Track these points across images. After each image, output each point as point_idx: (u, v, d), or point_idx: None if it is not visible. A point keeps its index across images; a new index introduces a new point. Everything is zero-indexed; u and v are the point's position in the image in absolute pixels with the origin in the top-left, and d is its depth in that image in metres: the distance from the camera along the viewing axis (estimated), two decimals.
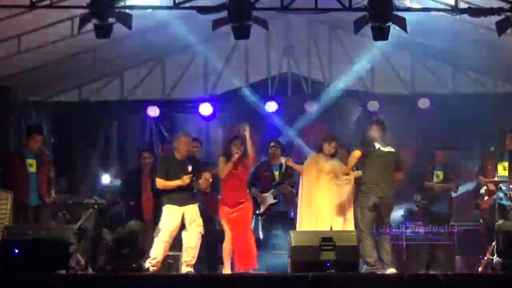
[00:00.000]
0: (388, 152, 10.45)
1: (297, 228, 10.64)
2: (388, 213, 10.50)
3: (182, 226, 10.37)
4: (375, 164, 10.35)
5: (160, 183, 10.39)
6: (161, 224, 10.33)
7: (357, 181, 10.74)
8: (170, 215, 10.33)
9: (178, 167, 10.40)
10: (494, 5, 9.94)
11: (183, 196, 10.35)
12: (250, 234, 10.72)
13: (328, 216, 10.50)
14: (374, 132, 10.53)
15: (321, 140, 10.83)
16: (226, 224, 10.62)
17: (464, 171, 12.62)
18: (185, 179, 10.25)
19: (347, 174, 10.61)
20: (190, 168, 10.38)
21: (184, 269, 10.24)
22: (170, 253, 10.53)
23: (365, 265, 10.19)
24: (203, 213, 10.70)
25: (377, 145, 10.44)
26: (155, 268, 10.17)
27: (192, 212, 10.37)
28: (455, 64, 13.64)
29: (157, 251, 10.20)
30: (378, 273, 9.90)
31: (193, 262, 10.29)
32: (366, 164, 10.40)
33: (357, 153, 10.39)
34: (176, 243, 10.49)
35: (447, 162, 12.22)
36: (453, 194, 12.30)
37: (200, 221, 10.39)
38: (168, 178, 10.35)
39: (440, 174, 12.04)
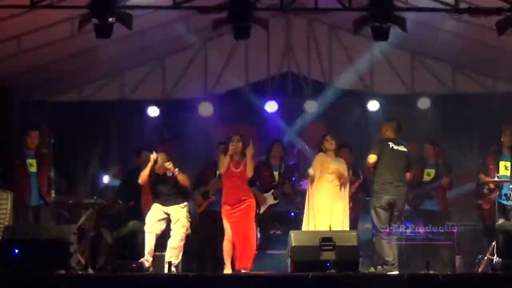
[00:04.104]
0: (401, 151, 10.50)
1: (303, 228, 10.63)
2: (401, 212, 10.56)
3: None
4: (389, 163, 10.37)
5: (139, 177, 10.79)
6: (146, 218, 10.60)
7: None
8: (153, 211, 10.63)
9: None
10: (494, 5, 9.95)
11: (165, 196, 10.65)
12: (253, 232, 10.71)
13: (328, 216, 10.49)
14: (389, 130, 10.56)
15: (321, 141, 10.81)
16: (227, 223, 10.63)
17: (464, 171, 12.60)
18: (152, 157, 10.60)
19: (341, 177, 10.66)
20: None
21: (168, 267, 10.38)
22: None
23: (381, 266, 10.17)
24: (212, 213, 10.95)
25: (391, 144, 10.47)
26: (149, 261, 10.34)
27: (176, 212, 10.60)
28: (455, 64, 13.65)
29: (147, 243, 10.42)
30: (395, 272, 9.89)
31: (176, 261, 10.46)
32: (380, 163, 10.40)
33: (372, 158, 10.42)
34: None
35: (438, 157, 11.96)
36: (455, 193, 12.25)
37: (184, 221, 10.61)
38: (152, 178, 10.73)
39: (431, 172, 11.92)
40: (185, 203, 10.78)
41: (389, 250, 10.17)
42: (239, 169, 10.70)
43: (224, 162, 10.68)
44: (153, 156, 10.58)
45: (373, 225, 10.42)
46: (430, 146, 11.95)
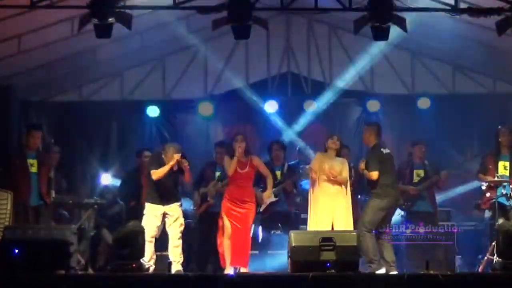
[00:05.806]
0: (390, 153, 10.49)
1: (307, 228, 10.62)
2: (393, 214, 10.59)
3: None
4: (388, 167, 10.35)
5: (155, 173, 10.45)
6: (143, 223, 10.37)
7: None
8: (151, 216, 10.46)
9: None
10: (494, 5, 9.96)
11: (166, 194, 10.49)
12: (248, 235, 10.70)
13: (329, 215, 10.47)
14: (373, 135, 10.50)
15: (327, 139, 10.77)
16: (227, 219, 10.60)
17: (464, 171, 12.60)
18: (175, 157, 10.38)
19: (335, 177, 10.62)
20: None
21: (175, 266, 10.34)
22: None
23: (369, 265, 10.16)
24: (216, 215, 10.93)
25: (382, 148, 10.43)
26: (152, 266, 10.29)
27: (175, 211, 10.52)
28: (455, 64, 13.65)
29: (147, 251, 10.27)
30: (378, 272, 9.90)
31: (182, 260, 10.44)
32: (380, 167, 10.33)
33: (375, 175, 10.33)
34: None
35: (425, 157, 11.87)
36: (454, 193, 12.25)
37: (182, 220, 10.57)
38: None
39: (421, 172, 11.85)
40: (181, 202, 10.76)
41: (375, 249, 10.16)
42: (245, 170, 10.69)
43: (232, 165, 10.61)
44: (177, 156, 10.41)
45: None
46: (418, 147, 11.87)
